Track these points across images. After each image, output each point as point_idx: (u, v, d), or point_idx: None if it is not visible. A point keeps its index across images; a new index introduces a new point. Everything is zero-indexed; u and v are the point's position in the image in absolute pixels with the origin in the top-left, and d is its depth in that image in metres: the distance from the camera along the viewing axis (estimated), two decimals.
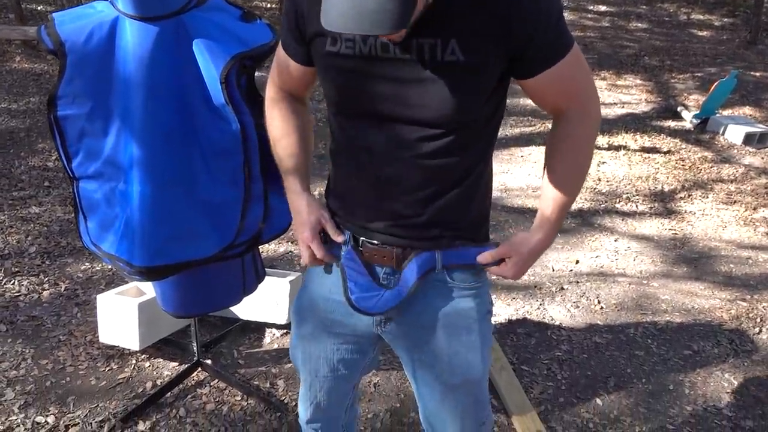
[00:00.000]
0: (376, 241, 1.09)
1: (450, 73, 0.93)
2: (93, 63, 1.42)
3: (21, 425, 1.86)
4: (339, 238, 1.13)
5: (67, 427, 1.87)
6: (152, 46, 1.40)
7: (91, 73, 1.42)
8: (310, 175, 1.21)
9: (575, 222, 3.54)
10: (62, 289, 2.59)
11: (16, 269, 2.70)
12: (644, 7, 10.17)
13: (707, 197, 3.96)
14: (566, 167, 1.05)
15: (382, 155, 1.03)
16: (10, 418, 1.89)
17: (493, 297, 2.38)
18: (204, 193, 1.57)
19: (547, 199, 1.06)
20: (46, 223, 3.13)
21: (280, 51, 1.15)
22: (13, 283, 2.60)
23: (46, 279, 2.65)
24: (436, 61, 0.92)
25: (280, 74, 1.18)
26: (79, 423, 1.89)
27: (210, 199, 1.58)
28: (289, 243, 3.08)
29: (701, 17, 9.88)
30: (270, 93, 1.22)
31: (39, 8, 6.84)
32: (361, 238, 1.11)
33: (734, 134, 4.95)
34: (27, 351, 2.20)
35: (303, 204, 1.16)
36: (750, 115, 5.62)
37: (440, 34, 0.91)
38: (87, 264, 2.77)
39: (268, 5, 8.29)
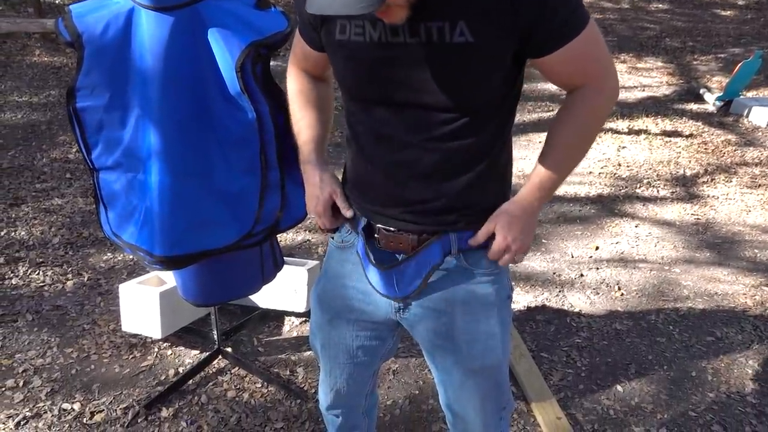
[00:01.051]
0: (392, 228, 1.09)
1: (460, 55, 0.92)
2: (110, 54, 1.43)
3: (48, 412, 1.91)
4: (347, 213, 1.14)
5: (92, 413, 1.91)
6: (168, 36, 1.40)
7: (109, 64, 1.43)
8: (326, 149, 1.22)
9: (595, 208, 3.49)
10: (85, 279, 2.63)
11: (41, 260, 2.75)
12: None
13: (731, 181, 3.88)
14: (569, 139, 1.03)
15: (396, 140, 1.02)
16: (37, 405, 1.93)
17: (513, 284, 2.36)
18: (221, 183, 1.57)
19: (539, 167, 1.04)
20: (69, 214, 3.18)
21: (297, 34, 1.16)
22: (38, 274, 2.65)
23: (70, 269, 2.69)
24: (445, 44, 0.91)
25: (299, 56, 1.20)
26: (104, 410, 1.93)
27: (228, 188, 1.58)
28: (307, 231, 3.09)
29: None
30: (291, 69, 1.25)
31: (57, 1, 6.90)
32: (378, 225, 1.10)
33: (759, 116, 4.83)
34: (52, 340, 2.24)
35: (317, 177, 1.17)
36: None
37: (448, 15, 0.90)
38: (109, 254, 2.82)
39: None
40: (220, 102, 1.49)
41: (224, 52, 1.45)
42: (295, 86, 1.23)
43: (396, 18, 0.90)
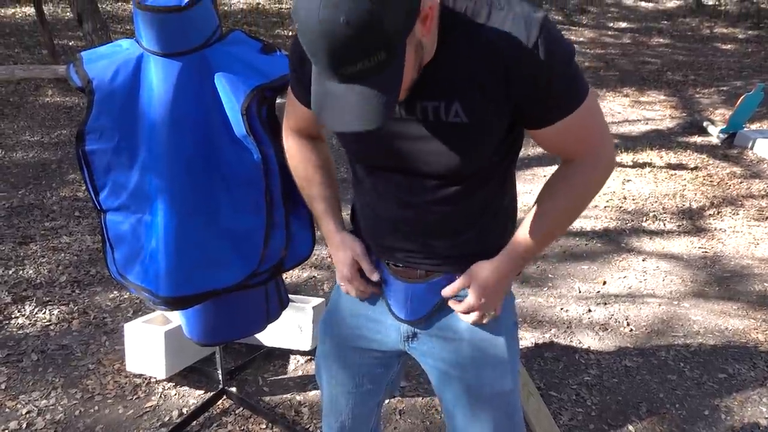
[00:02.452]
0: (400, 264, 1.12)
1: (455, 133, 0.93)
2: (119, 99, 1.46)
3: None
4: (374, 277, 1.15)
5: None
6: (175, 80, 1.43)
7: (118, 108, 1.46)
8: (340, 209, 1.23)
9: (601, 242, 3.48)
10: (91, 318, 2.63)
11: (47, 299, 2.76)
12: (665, 22, 10.11)
13: (737, 214, 3.87)
14: (559, 208, 1.02)
15: (397, 200, 1.05)
16: None
17: (519, 320, 2.34)
18: (227, 222, 1.59)
19: (524, 229, 1.03)
20: (76, 252, 3.20)
21: (291, 93, 1.14)
22: (44, 313, 2.65)
23: (76, 308, 2.70)
24: (441, 122, 0.93)
25: (294, 116, 1.19)
26: None
27: (233, 228, 1.60)
28: (313, 268, 3.09)
29: (724, 31, 9.77)
30: (286, 136, 1.24)
31: (71, 44, 7.09)
32: (386, 261, 1.14)
33: (764, 148, 4.84)
34: (57, 380, 2.23)
35: (338, 242, 1.18)
36: None
37: (443, 95, 0.91)
38: (115, 292, 2.82)
39: (290, 33, 8.46)
40: (226, 143, 1.52)
41: (230, 96, 1.49)
42: (296, 155, 1.22)
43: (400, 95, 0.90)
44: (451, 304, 1.11)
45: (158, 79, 1.44)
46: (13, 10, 7.42)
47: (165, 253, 1.52)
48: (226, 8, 8.48)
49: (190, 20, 1.40)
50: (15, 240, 3.31)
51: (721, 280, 3.07)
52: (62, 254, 3.17)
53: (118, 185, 1.55)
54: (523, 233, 1.04)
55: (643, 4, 10.64)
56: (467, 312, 1.08)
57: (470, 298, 1.06)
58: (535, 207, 1.04)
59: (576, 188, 1.01)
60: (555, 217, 1.02)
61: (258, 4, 8.89)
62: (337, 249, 1.18)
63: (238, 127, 1.49)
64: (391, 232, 1.09)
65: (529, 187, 4.22)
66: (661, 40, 9.29)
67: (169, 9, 1.36)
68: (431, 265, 1.10)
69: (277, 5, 8.94)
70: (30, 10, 7.05)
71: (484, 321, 1.09)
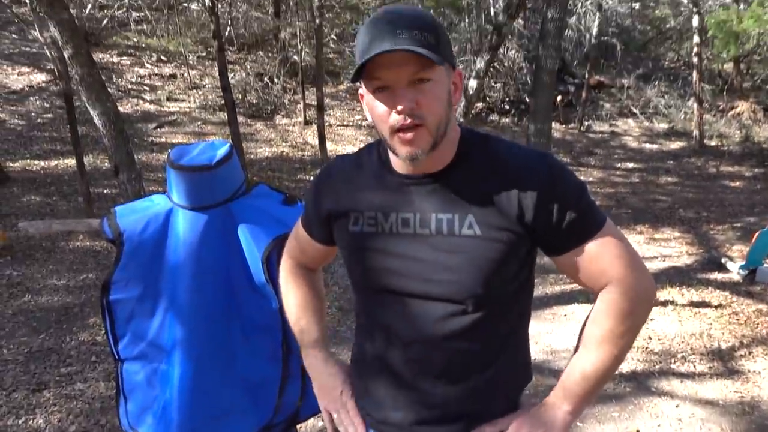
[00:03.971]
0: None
1: (469, 247, 0.95)
2: (147, 250, 1.53)
3: None
4: (360, 429, 1.14)
5: None
6: (201, 232, 1.51)
7: (145, 259, 1.53)
8: (328, 342, 1.29)
9: (630, 386, 3.32)
10: None
11: None
12: (671, 162, 10.49)
13: None
14: (600, 345, 0.98)
15: (406, 335, 1.03)
16: None
17: None
18: (243, 371, 1.57)
19: (575, 372, 0.99)
20: (89, 399, 3.14)
21: (299, 229, 1.25)
22: None
23: None
24: (454, 236, 0.96)
25: (298, 249, 1.29)
26: None
27: (249, 377, 1.58)
28: None
29: (731, 169, 10.08)
30: (286, 266, 1.33)
31: (105, 191, 7.52)
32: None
33: None
34: None
35: (325, 375, 1.21)
36: None
37: (457, 209, 0.96)
38: None
39: (311, 177, 8.91)
40: (246, 292, 1.56)
41: (252, 245, 1.55)
42: (292, 287, 1.31)
43: (421, 143, 0.94)
44: None
45: (185, 231, 1.52)
46: (56, 162, 8.00)
47: (179, 404, 1.49)
48: (252, 156, 9.04)
49: (218, 177, 1.51)
50: (29, 387, 3.27)
51: (762, 428, 2.86)
52: (74, 402, 3.11)
53: (138, 334, 1.56)
54: (572, 376, 0.99)
55: (647, 145, 11.13)
56: None
57: None
58: (578, 343, 1.01)
59: (609, 321, 0.97)
60: (597, 352, 0.98)
61: (282, 152, 9.49)
62: (322, 385, 1.21)
63: (258, 275, 1.54)
64: (394, 383, 1.06)
65: (549, 327, 4.14)
66: (669, 178, 9.58)
67: (200, 168, 1.48)
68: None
69: (299, 153, 9.52)
70: (71, 161, 7.59)
71: None
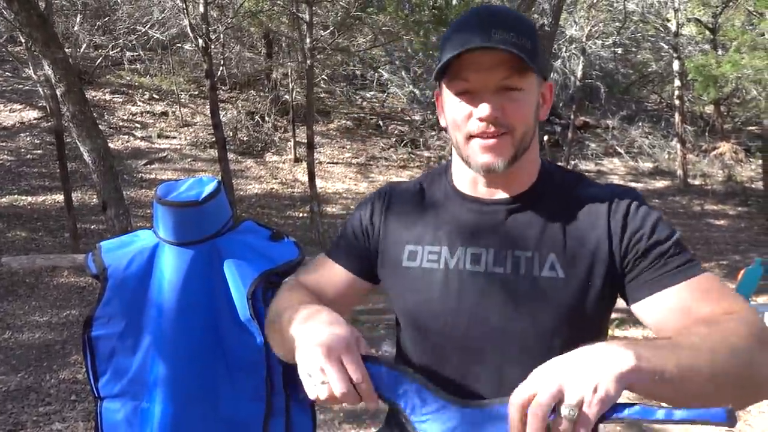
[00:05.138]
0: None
1: (549, 291, 0.83)
2: (131, 285, 1.52)
3: None
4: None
5: None
6: (187, 268, 1.51)
7: (129, 294, 1.52)
8: None
9: (621, 425, 3.29)
10: None
11: None
12: (657, 200, 10.64)
13: None
14: (705, 343, 0.71)
15: (469, 393, 0.86)
16: None
17: None
18: (226, 410, 1.54)
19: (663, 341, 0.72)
20: None
21: (323, 258, 1.11)
22: None
23: None
24: (533, 277, 0.84)
25: (313, 279, 1.12)
26: None
27: (233, 415, 1.55)
28: None
29: (715, 207, 10.24)
30: (286, 285, 1.15)
31: (92, 227, 7.48)
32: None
33: None
34: None
35: (332, 318, 0.84)
36: None
37: (538, 246, 0.84)
38: None
39: (300, 214, 8.93)
40: (230, 328, 1.54)
41: (237, 281, 1.54)
42: (286, 290, 1.13)
43: (503, 152, 0.84)
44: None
45: (170, 266, 1.52)
46: (44, 198, 7.97)
47: None
48: (242, 193, 9.07)
49: (205, 213, 1.52)
50: (5, 428, 3.17)
51: None
52: None
53: (119, 371, 1.54)
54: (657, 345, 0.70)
55: (633, 184, 11.31)
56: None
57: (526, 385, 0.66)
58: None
59: (713, 331, 0.72)
60: (700, 345, 0.70)
61: (272, 188, 9.53)
62: (330, 324, 0.82)
63: (243, 310, 1.53)
64: None
65: None
66: None
67: (187, 204, 1.48)
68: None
69: (289, 190, 9.56)
70: (59, 197, 7.57)
71: None
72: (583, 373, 0.61)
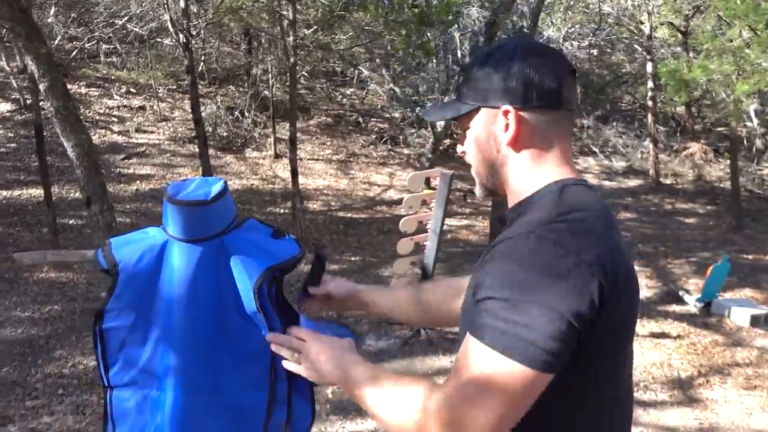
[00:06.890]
0: None
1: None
2: (141, 279, 1.59)
3: None
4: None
5: None
6: (195, 264, 1.58)
7: (140, 288, 1.58)
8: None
9: None
10: None
11: None
12: (629, 199, 10.94)
13: (726, 383, 3.90)
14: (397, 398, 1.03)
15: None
16: None
17: None
18: (231, 398, 1.63)
19: (378, 369, 1.16)
20: None
21: (522, 381, 0.82)
22: None
23: None
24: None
25: (512, 406, 0.84)
26: None
27: (236, 403, 1.63)
28: None
29: (685, 206, 10.57)
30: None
31: (71, 222, 7.41)
32: None
33: (740, 317, 5.02)
34: None
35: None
36: (752, 297, 5.74)
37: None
38: None
39: (281, 210, 8.95)
40: (237, 320, 1.62)
41: (244, 276, 1.62)
42: None
43: (475, 183, 1.08)
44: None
45: (179, 262, 1.59)
46: (20, 192, 7.85)
47: (170, 429, 1.53)
48: None
49: (214, 212, 1.59)
50: None
51: None
52: None
53: (129, 361, 1.61)
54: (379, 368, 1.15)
55: (606, 182, 11.59)
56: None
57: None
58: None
59: (422, 400, 0.94)
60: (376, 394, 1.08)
61: (252, 185, 9.53)
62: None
63: (249, 304, 1.61)
64: None
65: None
66: (628, 215, 9.98)
67: (197, 203, 1.55)
68: None
69: (269, 186, 9.58)
70: (35, 191, 7.47)
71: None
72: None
